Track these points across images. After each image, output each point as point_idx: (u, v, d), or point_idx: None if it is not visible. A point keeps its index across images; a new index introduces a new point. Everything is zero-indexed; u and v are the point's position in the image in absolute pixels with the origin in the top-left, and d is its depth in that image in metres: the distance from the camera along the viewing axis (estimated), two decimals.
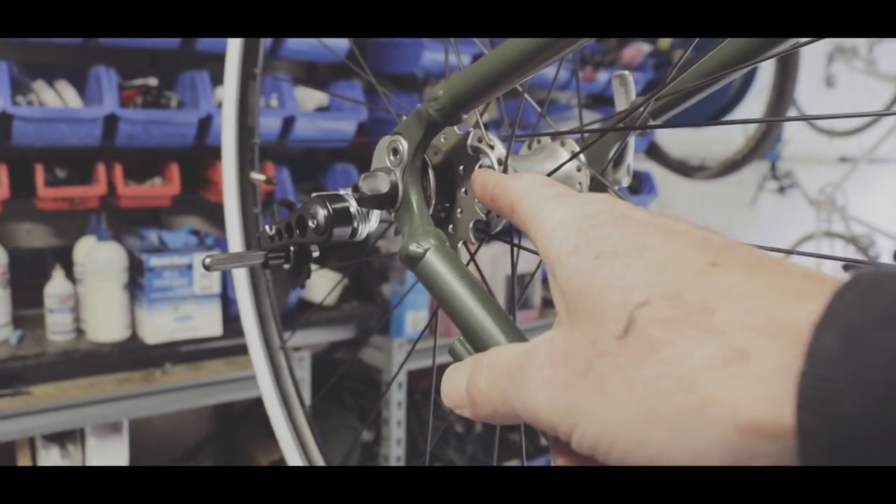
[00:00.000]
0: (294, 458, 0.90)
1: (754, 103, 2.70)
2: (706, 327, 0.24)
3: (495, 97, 0.43)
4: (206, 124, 1.73)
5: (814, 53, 4.06)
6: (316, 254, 0.59)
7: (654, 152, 2.94)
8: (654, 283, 0.26)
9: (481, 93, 0.42)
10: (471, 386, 0.33)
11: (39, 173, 1.63)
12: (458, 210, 0.49)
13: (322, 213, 0.50)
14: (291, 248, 0.58)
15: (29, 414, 1.49)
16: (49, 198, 1.64)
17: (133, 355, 1.66)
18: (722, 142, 2.97)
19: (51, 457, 1.59)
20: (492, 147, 0.50)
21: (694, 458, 0.23)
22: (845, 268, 3.31)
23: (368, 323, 1.96)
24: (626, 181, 0.63)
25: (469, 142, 0.47)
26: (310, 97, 1.93)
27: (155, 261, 1.64)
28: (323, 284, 1.91)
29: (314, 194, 0.51)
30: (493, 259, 2.10)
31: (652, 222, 0.29)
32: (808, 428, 0.20)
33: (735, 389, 0.22)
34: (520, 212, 0.35)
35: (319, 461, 0.91)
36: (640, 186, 2.81)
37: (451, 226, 0.49)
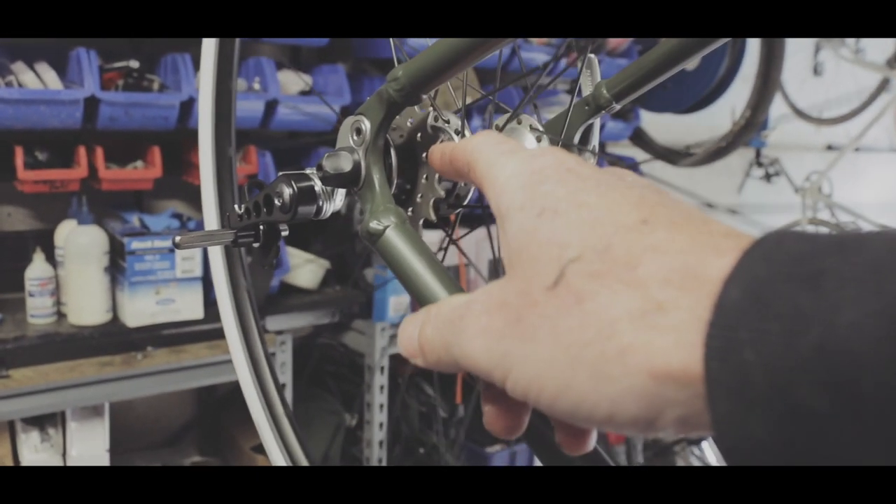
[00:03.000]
0: (272, 446, 0.90)
1: (741, 90, 2.71)
2: (629, 280, 0.25)
3: (452, 77, 0.44)
4: (188, 107, 1.72)
5: (801, 41, 4.07)
6: (285, 233, 0.59)
7: (639, 138, 2.95)
8: (587, 239, 0.27)
9: (438, 73, 0.43)
10: (420, 335, 0.34)
11: (19, 156, 1.62)
12: (420, 188, 0.49)
13: (287, 192, 0.50)
14: (261, 227, 0.58)
15: (8, 398, 1.49)
16: (29, 180, 1.63)
17: (114, 339, 1.65)
18: (707, 128, 2.98)
19: (31, 440, 1.59)
20: (447, 121, 0.50)
21: (613, 404, 0.24)
22: None
23: (351, 307, 1.96)
24: (591, 162, 0.63)
25: (428, 121, 0.48)
26: (293, 81, 1.92)
27: (136, 244, 1.64)
28: (307, 269, 1.91)
29: (281, 173, 0.51)
30: (477, 243, 2.10)
31: (594, 178, 0.30)
32: (713, 374, 0.22)
33: (650, 339, 0.24)
34: (475, 169, 0.36)
35: (298, 451, 0.91)
36: None
37: (412, 204, 0.49)
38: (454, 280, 0.43)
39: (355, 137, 0.48)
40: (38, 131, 1.63)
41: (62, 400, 1.55)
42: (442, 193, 0.49)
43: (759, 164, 3.76)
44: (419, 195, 0.49)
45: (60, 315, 1.68)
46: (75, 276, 1.64)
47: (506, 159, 0.34)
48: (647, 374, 0.23)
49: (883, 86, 4.02)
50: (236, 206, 0.56)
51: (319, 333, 2.18)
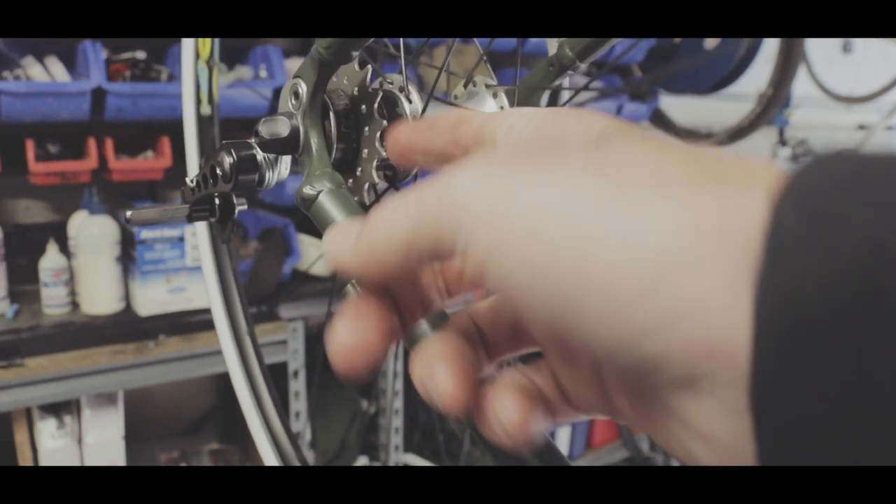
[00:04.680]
0: (264, 446, 0.89)
1: (762, 70, 2.66)
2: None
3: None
4: None
5: None
6: (242, 207, 0.58)
7: (659, 120, 2.90)
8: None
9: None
10: (368, 226, 0.27)
11: (31, 148, 1.64)
12: (364, 152, 0.48)
13: (228, 161, 0.49)
14: (216, 201, 0.58)
15: (23, 385, 1.51)
16: (41, 172, 1.65)
17: (127, 327, 1.67)
18: (729, 109, 2.93)
19: (48, 428, 1.61)
20: (392, 82, 0.49)
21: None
22: None
23: None
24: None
25: (368, 79, 0.47)
26: None
27: (146, 233, 1.65)
28: (318, 256, 1.91)
29: (224, 142, 0.51)
30: None
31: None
32: (764, 315, 0.18)
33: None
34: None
35: (289, 451, 0.90)
36: None
37: (358, 169, 0.48)
38: None
39: (293, 102, 0.47)
40: (48, 124, 1.65)
41: (76, 388, 1.57)
42: (384, 154, 0.48)
43: (783, 144, 3.68)
44: (364, 154, 0.48)
45: (74, 305, 1.70)
46: (88, 266, 1.66)
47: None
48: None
49: None
50: (188, 180, 0.56)
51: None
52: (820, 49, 3.79)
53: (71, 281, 1.70)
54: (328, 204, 0.43)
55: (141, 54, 1.72)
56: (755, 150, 3.71)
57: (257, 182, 0.50)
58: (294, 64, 1.91)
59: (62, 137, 1.72)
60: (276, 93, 1.81)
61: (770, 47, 2.59)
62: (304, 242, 1.89)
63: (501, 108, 0.58)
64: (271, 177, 0.50)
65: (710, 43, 2.63)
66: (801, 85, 3.30)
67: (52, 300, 1.66)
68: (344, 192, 0.44)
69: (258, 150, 0.49)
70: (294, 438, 0.90)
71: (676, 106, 2.97)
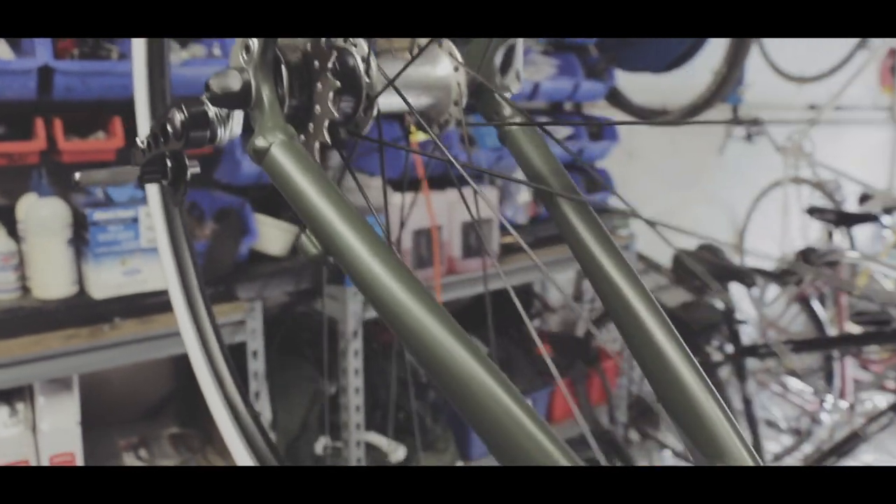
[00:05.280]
0: (227, 428, 0.88)
1: (716, 49, 2.68)
2: None
3: None
4: None
5: None
6: (195, 170, 0.57)
7: (614, 98, 2.92)
8: None
9: None
10: None
11: None
12: (316, 108, 0.47)
13: (178, 118, 0.48)
14: (168, 163, 0.57)
15: None
16: None
17: (80, 311, 1.63)
18: (684, 87, 2.95)
19: None
20: (355, 45, 0.49)
21: None
22: (809, 211, 3.33)
23: (322, 273, 1.95)
24: (515, 87, 0.61)
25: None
26: None
27: (99, 215, 1.62)
28: (275, 235, 1.89)
29: (173, 98, 0.50)
30: (449, 206, 2.08)
31: None
32: None
33: None
34: None
35: (254, 431, 0.89)
36: (602, 133, 2.80)
37: (310, 125, 0.48)
38: (343, 199, 0.41)
39: (244, 56, 0.46)
40: None
41: (27, 374, 1.53)
42: (337, 116, 0.47)
43: (738, 122, 3.74)
44: (316, 111, 0.47)
45: (25, 290, 1.66)
46: (38, 249, 1.62)
47: None
48: None
49: (862, 42, 4.00)
50: (138, 141, 0.54)
51: (297, 301, 2.17)
52: None
53: (21, 265, 1.65)
54: (282, 157, 0.42)
55: None
56: (710, 128, 3.76)
57: (209, 139, 0.49)
58: None
59: (8, 118, 1.67)
60: None
61: None
62: (261, 222, 1.87)
63: (455, 68, 0.58)
64: (223, 133, 0.50)
65: None
66: (753, 64, 3.35)
67: (1, 285, 1.62)
68: (297, 145, 0.43)
69: (209, 105, 0.48)
70: (257, 418, 0.89)
71: (632, 84, 2.98)
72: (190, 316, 0.95)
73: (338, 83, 0.45)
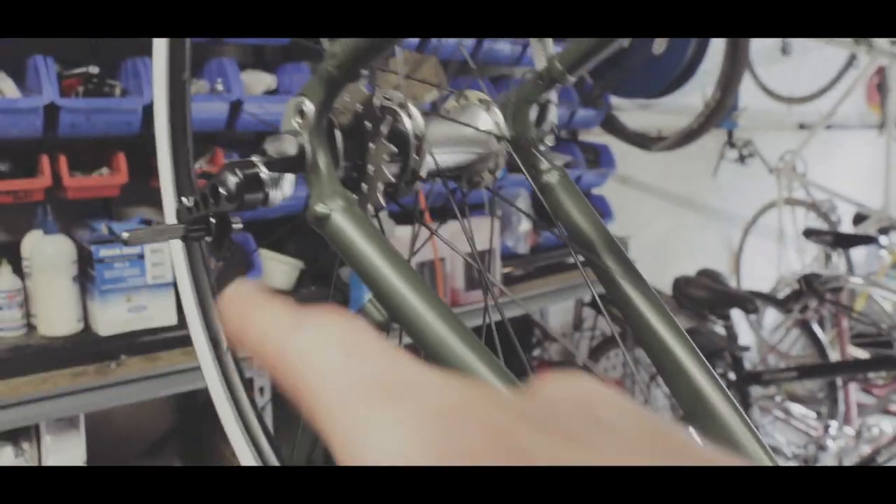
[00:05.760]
0: (246, 456, 0.88)
1: (712, 72, 2.71)
2: None
3: (390, 50, 0.42)
4: (151, 111, 1.69)
5: None
6: (238, 226, 0.57)
7: (610, 124, 2.94)
8: None
9: (377, 46, 0.41)
10: (252, 314, 0.23)
11: None
12: (369, 169, 0.48)
13: (232, 181, 0.48)
14: (212, 220, 0.57)
15: None
16: None
17: (86, 349, 1.62)
18: (679, 111, 2.98)
19: (5, 455, 1.56)
20: (390, 99, 0.49)
21: None
22: (806, 234, 3.35)
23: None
24: (549, 140, 0.62)
25: (375, 100, 0.47)
26: (257, 80, 1.90)
27: (104, 251, 1.61)
28: (280, 270, 1.89)
29: (226, 161, 0.50)
30: (451, 236, 2.08)
31: None
32: None
33: None
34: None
35: (272, 457, 0.89)
36: (599, 160, 2.82)
37: (363, 185, 0.48)
38: (406, 264, 0.41)
39: (299, 120, 0.47)
40: None
41: (35, 413, 1.52)
42: (391, 178, 0.47)
43: (732, 146, 3.77)
44: (368, 179, 0.48)
45: (31, 327, 1.65)
46: (43, 286, 1.61)
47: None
48: None
49: (850, 61, 4.05)
50: (185, 200, 0.54)
51: None
52: (760, 52, 3.89)
53: (26, 303, 1.65)
54: (344, 224, 0.43)
55: (94, 69, 1.68)
56: (703, 152, 3.78)
57: (261, 201, 0.50)
58: (249, 77, 1.89)
59: (13, 155, 1.67)
60: (233, 106, 1.78)
61: (717, 49, 2.65)
62: (265, 257, 1.87)
63: (496, 123, 0.58)
64: (275, 195, 0.50)
65: (658, 46, 2.67)
66: (745, 87, 3.38)
67: (7, 323, 1.61)
68: (357, 211, 0.44)
69: (262, 168, 0.49)
70: (279, 450, 0.89)
71: (627, 110, 3.01)
72: (211, 350, 0.95)
73: (393, 148, 0.45)
